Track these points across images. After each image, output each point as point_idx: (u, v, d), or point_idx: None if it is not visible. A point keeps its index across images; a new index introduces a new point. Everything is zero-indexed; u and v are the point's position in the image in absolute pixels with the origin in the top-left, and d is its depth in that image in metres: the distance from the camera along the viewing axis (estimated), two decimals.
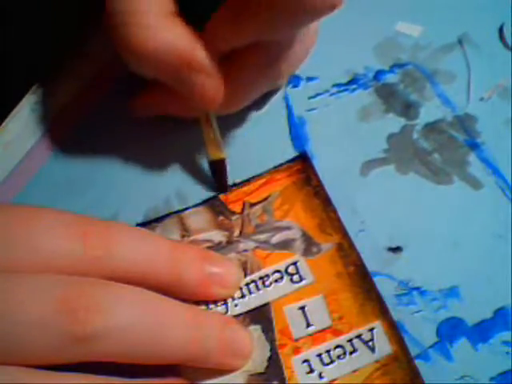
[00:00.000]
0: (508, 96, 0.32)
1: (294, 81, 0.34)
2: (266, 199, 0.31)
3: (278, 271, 0.29)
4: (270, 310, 0.28)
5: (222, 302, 0.28)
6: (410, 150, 0.32)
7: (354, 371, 0.27)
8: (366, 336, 0.27)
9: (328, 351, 0.27)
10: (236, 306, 0.28)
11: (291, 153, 0.32)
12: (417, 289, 0.28)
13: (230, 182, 0.32)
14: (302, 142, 0.33)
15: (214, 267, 0.28)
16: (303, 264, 0.29)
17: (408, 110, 0.33)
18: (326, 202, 0.30)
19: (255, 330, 0.28)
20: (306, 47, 0.31)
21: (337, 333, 0.27)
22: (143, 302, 0.25)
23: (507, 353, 0.27)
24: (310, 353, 0.27)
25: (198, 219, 0.30)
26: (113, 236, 0.26)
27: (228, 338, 0.26)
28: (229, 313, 0.28)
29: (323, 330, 0.28)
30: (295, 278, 0.29)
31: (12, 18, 0.35)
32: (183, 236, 0.30)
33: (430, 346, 0.27)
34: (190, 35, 0.28)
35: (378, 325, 0.27)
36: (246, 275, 0.29)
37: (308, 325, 0.28)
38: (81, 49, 0.35)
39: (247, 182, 0.31)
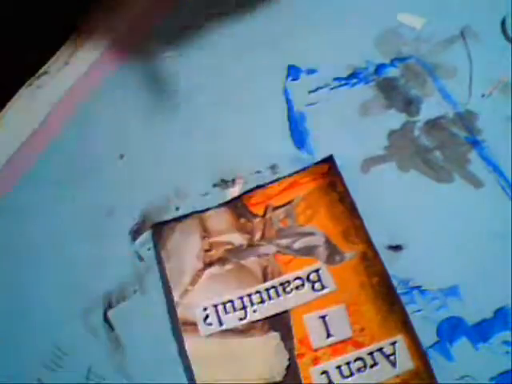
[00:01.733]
0: (509, 92, 0.32)
1: (294, 73, 0.34)
2: (289, 203, 0.30)
3: (299, 278, 0.28)
4: (290, 317, 0.28)
5: (241, 307, 0.28)
6: (411, 148, 0.32)
7: None
8: (388, 350, 0.27)
9: (348, 363, 0.27)
10: (255, 311, 0.28)
11: (291, 148, 0.32)
12: (417, 288, 0.28)
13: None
14: (302, 137, 0.32)
15: None
16: (325, 272, 0.28)
17: (409, 105, 0.32)
18: (352, 209, 0.30)
19: (274, 337, 0.27)
20: None
21: (358, 345, 0.27)
22: None
23: (507, 352, 0.27)
24: (329, 364, 0.27)
25: (218, 221, 0.30)
26: None
27: None
28: (247, 318, 0.28)
29: (344, 341, 0.27)
30: (317, 285, 0.28)
31: None
32: (204, 237, 0.30)
33: (430, 346, 0.27)
34: None
35: (401, 339, 0.27)
36: (266, 280, 0.28)
37: (328, 335, 0.27)
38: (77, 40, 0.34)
39: (271, 183, 0.31)
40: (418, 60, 0.34)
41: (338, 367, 0.27)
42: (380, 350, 0.27)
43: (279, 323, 0.27)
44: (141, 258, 0.30)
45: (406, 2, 0.35)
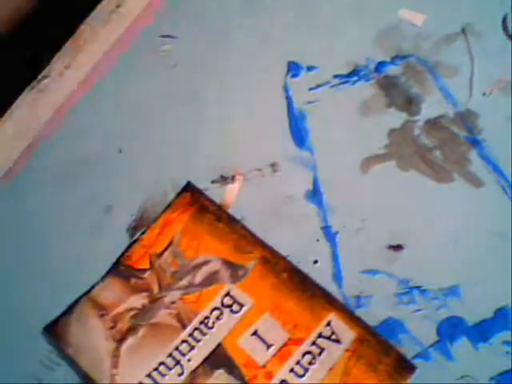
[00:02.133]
0: (510, 91, 0.32)
1: (294, 70, 0.34)
2: (170, 243, 0.30)
3: (215, 308, 0.28)
4: (225, 349, 0.27)
5: (174, 364, 0.27)
6: (411, 147, 0.31)
7: (330, 369, 0.27)
8: (327, 332, 0.27)
9: (298, 362, 0.27)
10: (189, 360, 0.27)
11: (291, 146, 0.32)
12: (417, 288, 0.29)
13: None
14: (302, 135, 0.32)
15: None
16: (236, 291, 0.28)
17: (410, 104, 0.32)
18: (231, 222, 0.30)
19: (220, 374, 0.27)
20: None
21: (298, 342, 0.27)
22: None
23: (507, 352, 0.27)
24: (282, 372, 0.27)
25: (109, 293, 0.29)
26: None
27: None
28: (185, 371, 0.27)
29: (284, 345, 0.27)
30: (235, 307, 0.28)
31: None
32: (102, 315, 0.28)
33: (431, 345, 0.27)
34: None
35: (333, 316, 0.27)
36: (185, 327, 0.28)
37: (268, 347, 0.27)
38: (77, 43, 0.34)
39: (142, 234, 0.30)
40: (418, 58, 0.33)
41: (291, 370, 0.27)
42: (320, 335, 0.27)
43: (218, 359, 0.27)
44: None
45: None
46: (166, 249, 0.29)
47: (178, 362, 0.27)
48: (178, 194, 0.30)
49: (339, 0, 0.36)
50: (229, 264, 0.29)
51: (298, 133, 0.32)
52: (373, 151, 0.31)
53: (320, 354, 0.27)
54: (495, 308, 0.28)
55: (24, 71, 0.33)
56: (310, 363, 0.27)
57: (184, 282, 0.29)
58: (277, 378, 0.27)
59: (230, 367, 0.27)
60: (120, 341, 0.28)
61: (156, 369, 0.27)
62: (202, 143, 0.32)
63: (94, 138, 0.33)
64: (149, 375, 0.27)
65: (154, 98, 0.34)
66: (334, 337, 0.27)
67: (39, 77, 0.33)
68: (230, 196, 0.31)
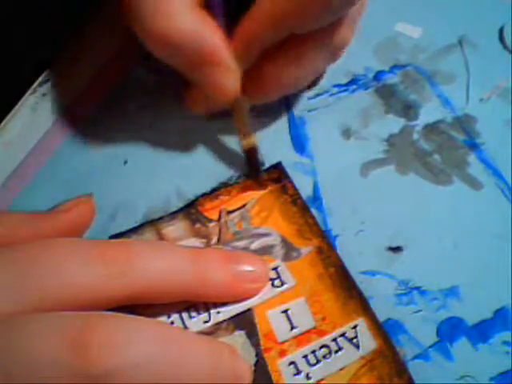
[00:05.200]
0: (508, 97, 0.33)
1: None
2: (243, 207, 0.31)
3: None
4: (254, 315, 0.28)
5: (204, 310, 0.28)
6: (410, 151, 0.32)
7: (341, 369, 0.27)
8: (350, 334, 0.27)
9: (313, 352, 0.27)
10: (218, 313, 0.28)
11: (291, 153, 0.33)
12: (417, 288, 0.28)
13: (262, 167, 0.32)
14: (302, 142, 0.33)
15: (240, 265, 0.28)
16: (284, 268, 0.29)
17: (408, 110, 0.33)
18: (304, 209, 0.30)
19: (240, 336, 0.27)
20: (359, 15, 0.30)
21: (321, 333, 0.27)
22: (159, 337, 0.24)
23: (507, 353, 0.27)
24: (295, 355, 0.27)
25: (174, 228, 0.30)
26: (131, 250, 0.26)
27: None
28: (211, 321, 0.27)
29: (308, 332, 0.27)
30: (276, 282, 0.29)
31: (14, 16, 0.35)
32: None
33: (430, 346, 0.27)
34: (211, 28, 0.28)
35: (361, 321, 0.27)
36: None
37: (292, 327, 0.28)
38: (80, 49, 0.35)
39: (224, 188, 0.31)
40: (416, 67, 0.34)
41: (305, 356, 0.27)
42: (343, 335, 0.27)
43: (243, 322, 0.28)
44: None
45: (404, 12, 0.36)
46: (237, 209, 0.31)
47: (207, 310, 0.28)
48: (267, 170, 0.32)
49: None
50: (287, 243, 0.30)
51: (298, 140, 0.33)
52: (372, 156, 0.32)
53: (337, 351, 0.27)
54: (495, 308, 0.28)
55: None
56: (324, 357, 0.27)
57: (241, 244, 0.30)
58: (288, 358, 0.27)
59: (251, 332, 0.27)
60: None
61: (188, 309, 0.28)
62: (203, 150, 0.33)
63: (99, 149, 0.34)
64: (179, 313, 0.27)
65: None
66: (355, 341, 0.27)
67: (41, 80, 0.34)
68: None
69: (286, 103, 0.34)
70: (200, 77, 0.29)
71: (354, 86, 0.34)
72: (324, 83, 0.34)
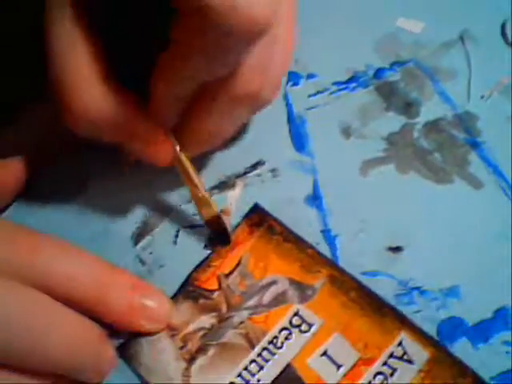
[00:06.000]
0: (509, 94, 0.32)
1: (294, 79, 0.34)
2: (238, 265, 0.30)
3: (284, 328, 0.28)
4: (294, 369, 0.27)
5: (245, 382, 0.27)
6: (410, 149, 0.32)
7: None
8: (398, 352, 0.27)
9: (369, 383, 0.26)
10: (259, 380, 0.27)
11: (291, 151, 0.32)
12: (417, 288, 0.28)
13: (230, 234, 0.30)
14: (302, 140, 0.33)
15: (144, 299, 0.27)
16: (305, 311, 0.28)
17: (408, 108, 0.33)
18: (299, 243, 0.29)
19: None
20: (266, 60, 0.28)
21: (369, 362, 0.27)
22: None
23: (507, 352, 0.27)
24: None
25: (179, 313, 0.29)
26: (39, 245, 0.26)
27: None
28: None
29: (355, 365, 0.27)
30: (304, 327, 0.28)
31: None
32: (172, 335, 0.28)
33: None
34: (125, 102, 0.27)
35: (404, 336, 0.27)
36: (253, 347, 0.27)
37: (338, 367, 0.27)
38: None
39: (212, 255, 0.30)
40: (417, 64, 0.34)
41: None
42: (391, 355, 0.27)
43: (287, 380, 0.27)
44: (143, 262, 0.30)
45: (405, 7, 0.35)
46: (234, 269, 0.29)
47: (247, 382, 0.27)
48: (246, 216, 0.31)
49: (339, 11, 0.36)
50: (297, 284, 0.29)
51: (298, 138, 0.33)
52: (372, 154, 0.32)
53: (392, 374, 0.26)
54: (495, 308, 0.28)
55: None
56: None
57: (252, 302, 0.29)
58: None
59: None
60: (190, 360, 0.27)
61: None
62: (201, 155, 0.32)
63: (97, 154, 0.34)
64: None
65: None
66: (406, 357, 0.26)
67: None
68: (230, 202, 0.32)
69: (286, 101, 0.34)
70: (128, 148, 0.28)
71: (354, 84, 0.34)
72: (324, 81, 0.34)
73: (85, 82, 0.26)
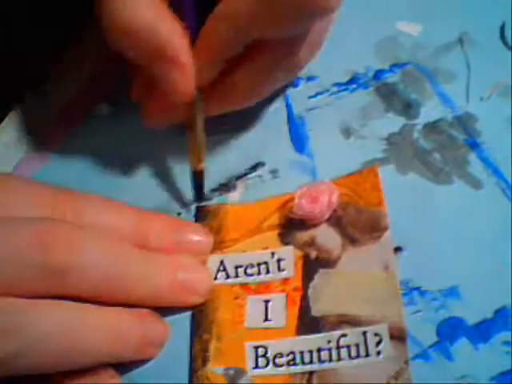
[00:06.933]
0: (508, 95, 0.32)
1: (294, 80, 0.34)
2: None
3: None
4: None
5: None
6: (410, 150, 0.32)
7: None
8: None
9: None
10: None
11: (291, 152, 0.33)
12: (417, 289, 0.28)
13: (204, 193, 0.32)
14: (302, 141, 0.33)
15: (184, 234, 0.29)
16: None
17: (408, 109, 0.33)
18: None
19: None
20: (320, 37, 0.31)
21: None
22: (107, 243, 0.27)
23: (507, 353, 0.27)
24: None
25: None
26: (80, 202, 0.28)
27: None
28: None
29: None
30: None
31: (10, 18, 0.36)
32: None
33: (430, 346, 0.27)
34: (172, 26, 0.28)
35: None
36: None
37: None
38: (78, 49, 0.35)
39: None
40: (416, 66, 0.34)
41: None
42: None
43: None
44: None
45: (405, 10, 0.36)
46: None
47: None
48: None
49: (339, 14, 0.36)
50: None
51: (298, 139, 0.33)
52: (372, 155, 0.32)
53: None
54: (495, 308, 0.28)
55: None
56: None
57: None
58: None
59: None
60: None
61: None
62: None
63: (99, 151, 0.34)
64: None
65: None
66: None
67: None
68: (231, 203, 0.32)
69: (286, 102, 0.34)
70: (155, 72, 0.29)
71: (354, 85, 0.34)
72: (324, 82, 0.34)
73: (141, 3, 0.28)
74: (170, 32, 0.28)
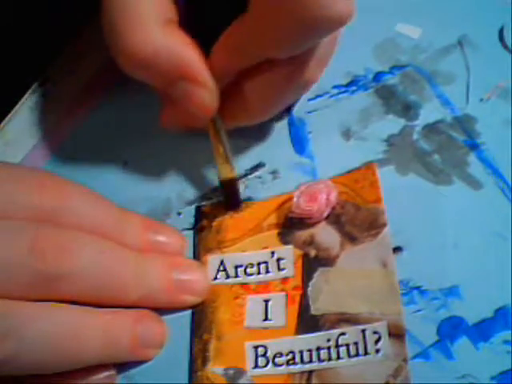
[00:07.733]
0: (508, 97, 0.33)
1: None
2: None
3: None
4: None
5: None
6: (410, 151, 0.32)
7: None
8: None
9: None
10: None
11: (291, 153, 0.33)
12: (417, 288, 0.28)
13: (241, 199, 0.31)
14: (302, 142, 0.33)
15: (156, 235, 0.29)
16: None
17: (408, 111, 0.33)
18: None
19: None
20: (329, 52, 0.31)
21: None
22: (101, 247, 0.27)
23: (508, 352, 0.27)
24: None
25: None
26: (67, 191, 0.28)
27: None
28: None
29: None
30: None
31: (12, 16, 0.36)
32: None
33: (431, 345, 0.27)
34: (185, 43, 0.28)
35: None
36: None
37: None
38: (80, 49, 0.35)
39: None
40: (415, 68, 0.34)
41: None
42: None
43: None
44: None
45: (404, 13, 0.36)
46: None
47: None
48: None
49: None
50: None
51: (298, 141, 0.33)
52: (372, 156, 0.32)
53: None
54: (495, 307, 0.28)
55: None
56: None
57: None
58: None
59: None
60: None
61: None
62: (202, 151, 0.33)
63: (99, 150, 0.34)
64: None
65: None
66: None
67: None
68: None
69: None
70: (176, 92, 0.29)
71: (354, 87, 0.34)
72: (324, 84, 0.34)
73: (143, 19, 0.27)
74: (186, 50, 0.28)
